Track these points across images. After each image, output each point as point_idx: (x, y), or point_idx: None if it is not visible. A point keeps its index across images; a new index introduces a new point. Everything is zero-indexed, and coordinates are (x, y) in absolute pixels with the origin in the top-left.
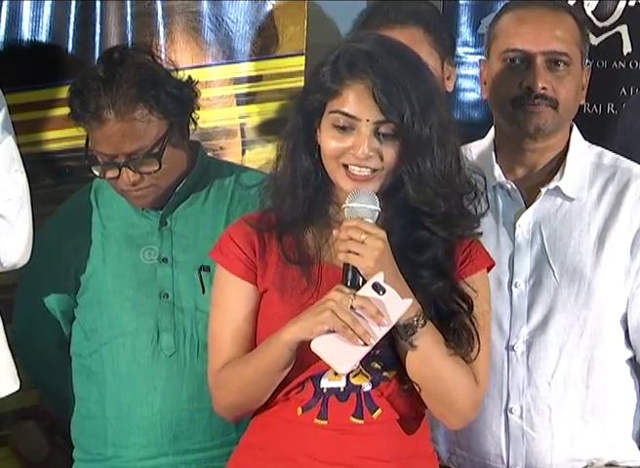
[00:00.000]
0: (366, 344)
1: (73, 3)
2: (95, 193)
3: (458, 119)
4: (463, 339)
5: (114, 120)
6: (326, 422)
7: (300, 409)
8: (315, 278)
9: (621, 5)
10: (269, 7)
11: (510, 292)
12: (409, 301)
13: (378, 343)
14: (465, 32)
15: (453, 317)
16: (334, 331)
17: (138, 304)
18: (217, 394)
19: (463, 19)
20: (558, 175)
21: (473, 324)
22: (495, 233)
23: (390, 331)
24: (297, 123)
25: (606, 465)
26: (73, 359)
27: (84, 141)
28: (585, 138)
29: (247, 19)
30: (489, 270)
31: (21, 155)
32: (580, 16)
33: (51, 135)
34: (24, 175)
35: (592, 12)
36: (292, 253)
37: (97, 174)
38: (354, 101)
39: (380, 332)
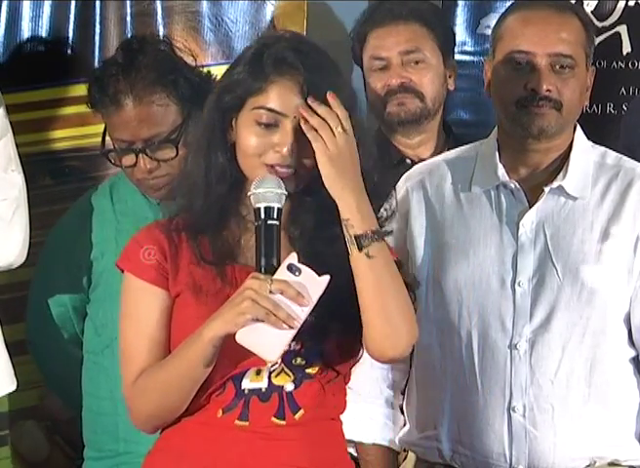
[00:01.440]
0: (291, 327)
1: (73, 3)
2: (110, 190)
3: (456, 119)
4: None
5: (132, 104)
6: (247, 423)
7: (220, 411)
8: (230, 279)
9: (621, 5)
10: (269, 7)
11: (513, 290)
12: (326, 278)
13: (299, 335)
14: (464, 32)
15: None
16: (257, 320)
17: None
18: (134, 404)
19: (462, 18)
20: (561, 174)
21: None
22: (498, 232)
23: (310, 324)
24: (211, 120)
25: (608, 464)
26: (85, 356)
27: (84, 141)
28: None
29: (246, 19)
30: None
31: (20, 155)
32: (585, 17)
33: (51, 135)
34: (22, 174)
35: (592, 12)
36: (206, 253)
37: (112, 161)
38: (280, 97)
39: (302, 313)
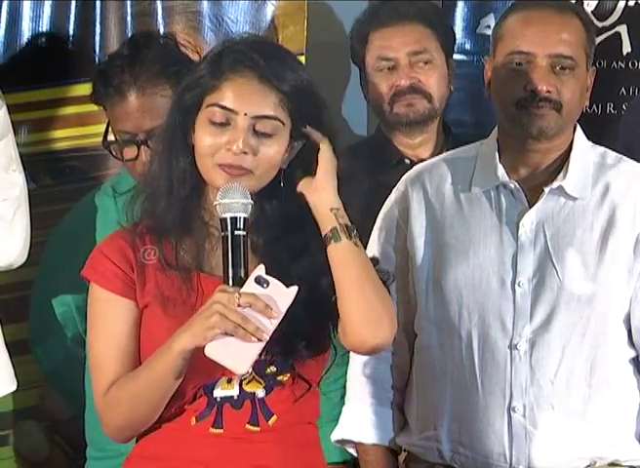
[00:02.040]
0: (260, 340)
1: (73, 3)
2: (113, 188)
3: (455, 119)
4: None
5: (136, 95)
6: (222, 431)
7: (193, 419)
8: (195, 287)
9: (621, 5)
10: (269, 7)
11: (513, 291)
12: (294, 289)
13: (270, 344)
14: (464, 32)
15: None
16: (226, 334)
17: None
18: (106, 415)
19: (462, 18)
20: (561, 174)
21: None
22: (498, 232)
23: (281, 333)
24: (172, 122)
25: (609, 464)
26: (88, 355)
27: (85, 141)
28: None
29: (247, 19)
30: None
31: (21, 155)
32: (586, 18)
33: (51, 135)
34: (23, 174)
35: (592, 12)
36: (170, 258)
37: (114, 154)
38: (233, 95)
39: (271, 326)
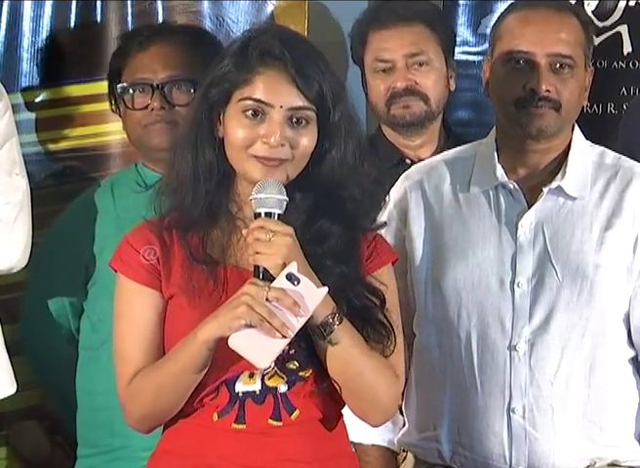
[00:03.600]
0: (284, 337)
1: (74, 3)
2: (111, 187)
3: (457, 119)
4: (379, 334)
5: (159, 45)
6: (244, 426)
7: (215, 415)
8: (221, 280)
9: (622, 5)
10: (270, 7)
11: (512, 291)
12: (324, 290)
13: (293, 339)
14: (465, 32)
15: (366, 312)
16: (251, 326)
17: None
18: (129, 405)
19: (463, 18)
20: (560, 174)
21: (387, 317)
22: (497, 233)
23: (306, 328)
24: (199, 115)
25: (608, 464)
26: (81, 353)
27: (85, 142)
28: (586, 138)
29: (247, 19)
30: (393, 264)
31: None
32: (584, 17)
33: (50, 135)
34: (26, 178)
35: (592, 12)
36: (197, 252)
37: (125, 103)
38: (266, 88)
39: (297, 324)
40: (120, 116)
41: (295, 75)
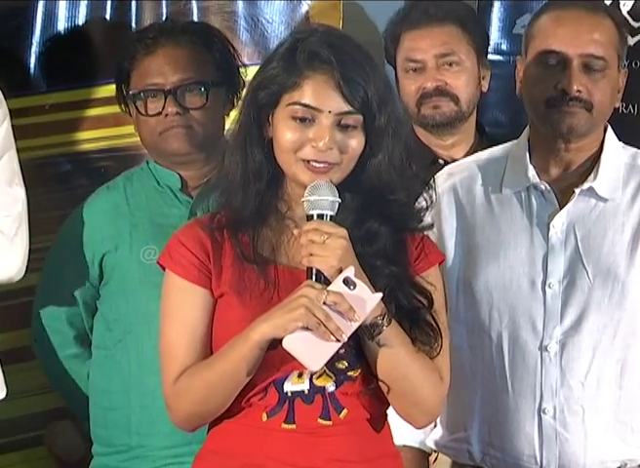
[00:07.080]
0: (338, 340)
1: (109, 3)
2: (124, 185)
3: (491, 119)
4: (426, 335)
5: (169, 48)
6: (294, 426)
7: (264, 415)
8: (272, 279)
9: None
10: (305, 7)
11: (544, 292)
12: (379, 295)
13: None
14: (500, 32)
15: (415, 313)
16: (305, 328)
17: None
18: (175, 403)
19: (498, 18)
20: (592, 175)
21: (434, 319)
22: (528, 233)
23: (356, 329)
24: (248, 117)
25: (639, 466)
26: (95, 352)
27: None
28: (620, 139)
29: (282, 20)
30: (441, 264)
31: (28, 159)
32: (618, 18)
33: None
34: (24, 188)
35: (628, 12)
36: (248, 251)
37: (138, 109)
38: (315, 93)
39: (351, 328)
40: (130, 115)
41: (340, 80)
